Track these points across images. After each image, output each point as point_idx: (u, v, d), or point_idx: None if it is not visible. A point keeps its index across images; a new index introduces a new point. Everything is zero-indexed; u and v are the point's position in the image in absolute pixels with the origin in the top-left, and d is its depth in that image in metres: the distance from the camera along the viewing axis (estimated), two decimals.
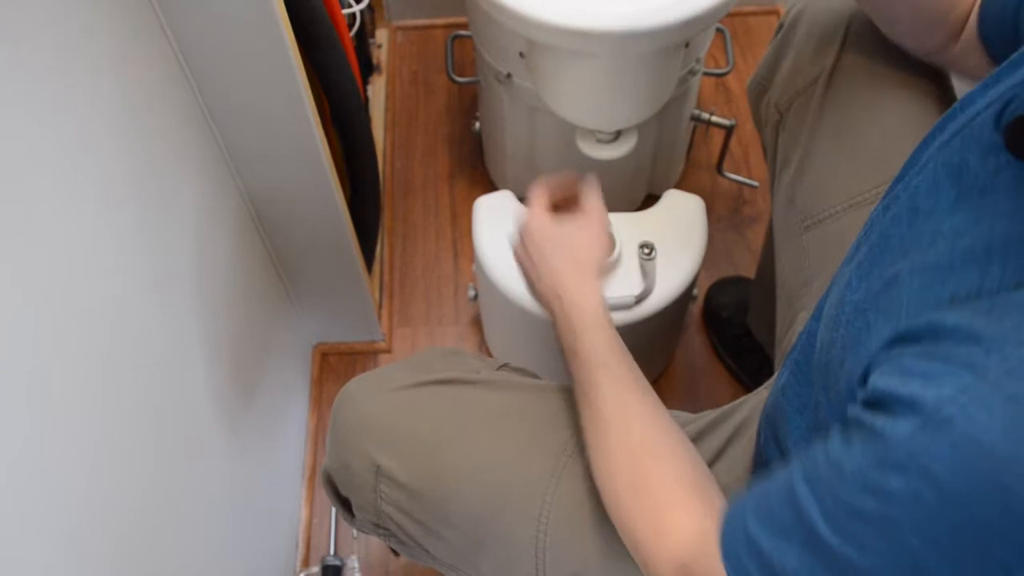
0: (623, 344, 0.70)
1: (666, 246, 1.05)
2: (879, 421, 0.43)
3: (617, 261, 1.02)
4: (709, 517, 0.54)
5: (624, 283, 1.03)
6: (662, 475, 0.60)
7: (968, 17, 0.70)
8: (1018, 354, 0.38)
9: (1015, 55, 0.53)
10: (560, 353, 0.72)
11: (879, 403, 0.44)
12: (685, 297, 1.10)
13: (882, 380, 0.44)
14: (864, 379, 0.47)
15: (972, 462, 0.37)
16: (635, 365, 0.68)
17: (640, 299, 1.02)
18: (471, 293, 1.27)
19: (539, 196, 0.78)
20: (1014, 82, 0.49)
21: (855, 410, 0.46)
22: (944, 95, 0.79)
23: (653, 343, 1.19)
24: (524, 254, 0.77)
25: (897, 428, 0.41)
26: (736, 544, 0.50)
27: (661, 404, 0.66)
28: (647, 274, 1.03)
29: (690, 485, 0.59)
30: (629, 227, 1.06)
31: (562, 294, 0.72)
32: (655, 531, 0.58)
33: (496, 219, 1.12)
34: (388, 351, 1.38)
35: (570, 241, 0.75)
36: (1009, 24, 0.64)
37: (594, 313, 0.70)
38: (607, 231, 0.79)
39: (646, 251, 1.03)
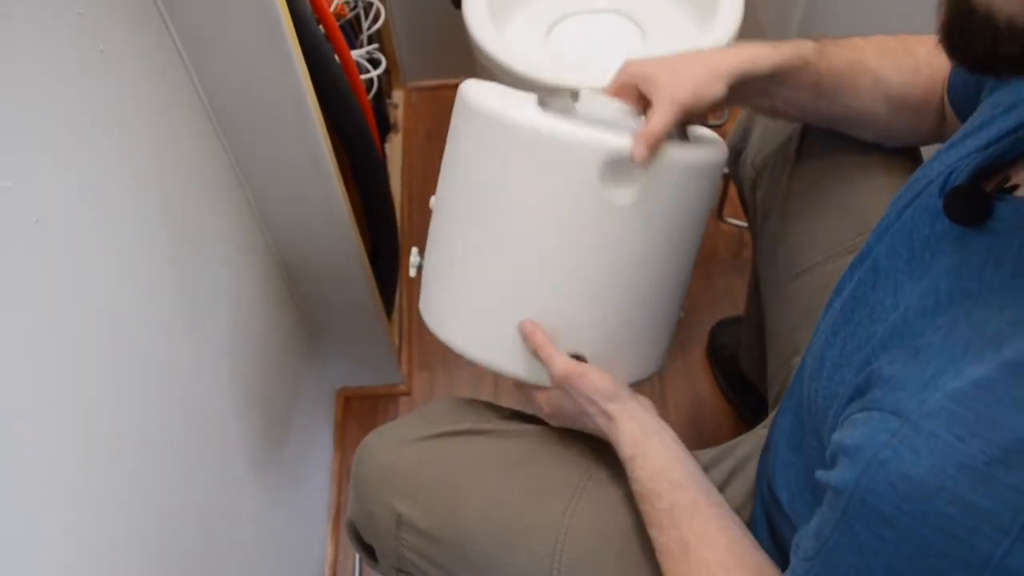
0: (673, 446, 0.71)
1: None
2: (833, 477, 0.48)
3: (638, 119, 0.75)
4: None
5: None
6: None
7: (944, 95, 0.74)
8: (934, 399, 0.43)
9: (964, 127, 0.59)
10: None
11: (834, 458, 0.49)
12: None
13: (836, 434, 0.49)
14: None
15: (910, 496, 0.43)
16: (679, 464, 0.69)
17: (684, 137, 0.76)
18: (415, 260, 0.89)
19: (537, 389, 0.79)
20: (958, 155, 0.55)
21: (822, 474, 0.50)
22: (909, 151, 0.83)
23: (670, 261, 0.79)
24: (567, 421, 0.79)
25: (846, 479, 0.46)
26: None
27: (708, 497, 0.68)
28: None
29: None
30: None
31: (607, 433, 0.73)
32: None
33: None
34: (408, 394, 1.43)
35: (577, 407, 0.75)
36: (972, 91, 0.67)
37: (635, 438, 0.71)
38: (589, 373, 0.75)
39: None
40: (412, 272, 0.84)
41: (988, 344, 0.44)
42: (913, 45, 0.75)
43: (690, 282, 0.82)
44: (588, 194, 0.70)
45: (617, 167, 0.69)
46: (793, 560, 0.54)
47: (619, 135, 0.69)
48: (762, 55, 0.71)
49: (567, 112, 0.74)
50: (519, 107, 0.72)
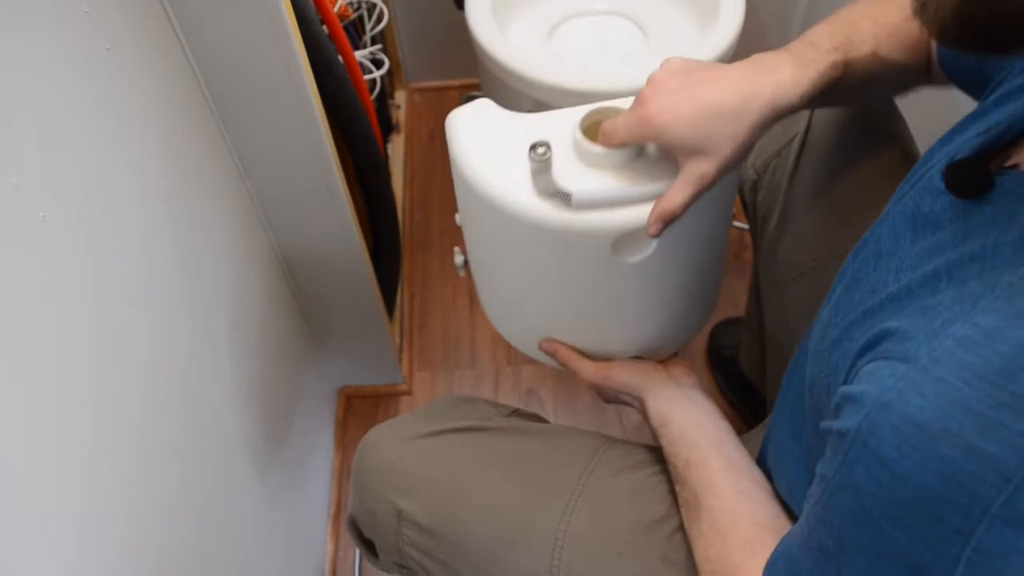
0: (697, 411, 0.76)
1: None
2: (837, 424, 0.48)
3: (642, 147, 0.70)
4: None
5: (661, 171, 0.69)
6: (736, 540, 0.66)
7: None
8: (943, 345, 0.44)
9: (964, 118, 0.60)
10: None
11: (839, 408, 0.49)
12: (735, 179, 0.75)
13: (844, 388, 0.50)
14: None
15: (912, 438, 0.43)
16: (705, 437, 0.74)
17: None
18: (459, 260, 0.92)
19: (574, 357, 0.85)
20: (959, 142, 0.57)
21: (826, 423, 0.51)
22: (908, 153, 0.84)
23: (698, 264, 0.80)
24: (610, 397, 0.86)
25: (849, 423, 0.46)
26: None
27: (735, 461, 0.71)
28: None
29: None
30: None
31: (639, 407, 0.81)
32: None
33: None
34: (409, 393, 1.44)
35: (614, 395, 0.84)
36: (972, 63, 0.66)
37: (660, 411, 0.78)
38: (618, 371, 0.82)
39: None
40: (461, 273, 0.89)
41: (1000, 297, 0.44)
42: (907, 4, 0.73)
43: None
44: (599, 260, 0.71)
45: (628, 238, 0.69)
46: (805, 508, 0.54)
47: (628, 209, 0.66)
48: (803, 94, 0.64)
49: (555, 185, 0.67)
50: (515, 191, 0.69)
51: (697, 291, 0.82)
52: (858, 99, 0.77)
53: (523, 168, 0.69)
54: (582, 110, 0.72)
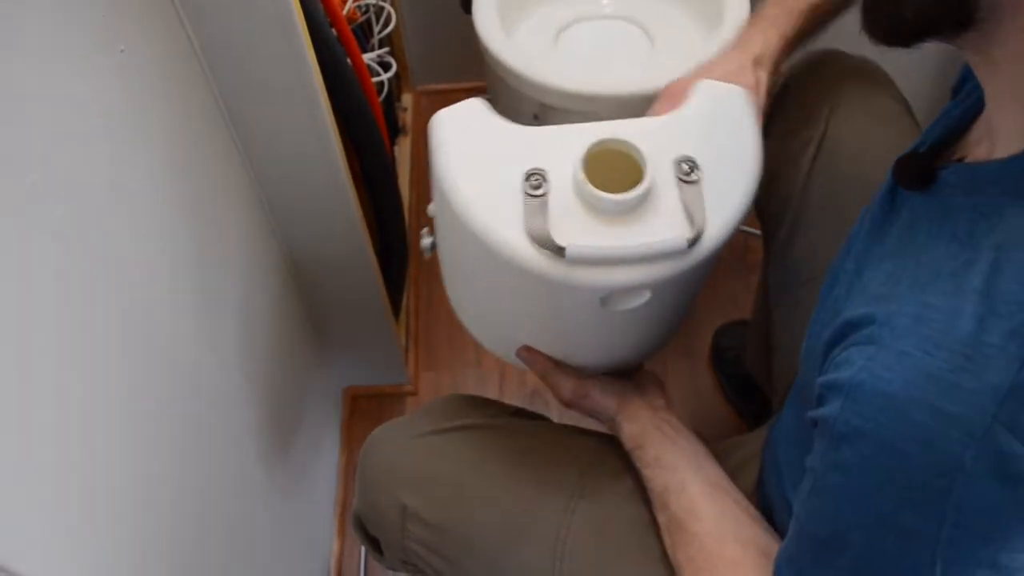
0: (671, 433, 0.76)
1: (709, 158, 0.68)
2: (821, 411, 0.51)
3: (647, 192, 0.64)
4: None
5: (664, 220, 0.65)
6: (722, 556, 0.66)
7: None
8: (903, 323, 0.47)
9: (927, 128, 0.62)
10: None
11: (822, 397, 0.52)
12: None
13: (821, 379, 0.53)
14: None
15: (886, 409, 0.46)
16: (680, 449, 0.74)
17: (693, 242, 0.64)
18: (426, 242, 0.83)
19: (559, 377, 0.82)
20: (914, 145, 0.60)
21: (812, 412, 0.53)
22: None
23: (687, 297, 0.79)
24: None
25: (831, 408, 0.49)
26: None
27: (712, 482, 0.71)
28: (692, 204, 0.65)
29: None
30: (654, 138, 0.67)
31: (614, 423, 0.80)
32: None
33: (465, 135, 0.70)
34: (414, 393, 1.45)
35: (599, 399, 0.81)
36: None
37: (633, 433, 0.77)
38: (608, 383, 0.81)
39: (685, 169, 0.66)
40: (426, 255, 0.83)
41: (945, 280, 0.47)
42: None
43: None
44: (585, 307, 0.68)
45: (620, 294, 0.67)
46: (795, 506, 0.56)
47: (623, 268, 0.63)
48: (781, 50, 0.81)
49: (548, 235, 0.62)
50: (503, 228, 0.63)
51: (677, 320, 0.82)
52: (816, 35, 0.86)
53: (514, 196, 0.65)
54: (585, 135, 0.66)
